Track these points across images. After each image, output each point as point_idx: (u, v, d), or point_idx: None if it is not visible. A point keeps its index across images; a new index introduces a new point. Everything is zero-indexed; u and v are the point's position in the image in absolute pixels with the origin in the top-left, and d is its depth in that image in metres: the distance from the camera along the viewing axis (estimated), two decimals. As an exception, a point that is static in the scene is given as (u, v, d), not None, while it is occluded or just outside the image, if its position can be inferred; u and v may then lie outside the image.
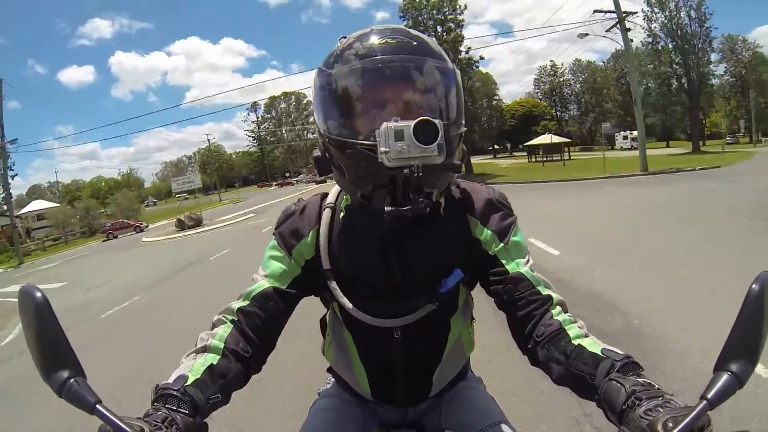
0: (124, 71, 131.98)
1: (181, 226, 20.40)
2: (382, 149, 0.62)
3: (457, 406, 0.90)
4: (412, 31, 0.73)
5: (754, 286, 0.48)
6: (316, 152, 0.76)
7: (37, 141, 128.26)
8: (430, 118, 0.62)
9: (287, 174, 64.66)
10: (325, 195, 0.85)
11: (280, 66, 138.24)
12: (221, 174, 63.77)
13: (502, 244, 0.78)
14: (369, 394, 0.89)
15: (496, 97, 59.36)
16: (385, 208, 0.66)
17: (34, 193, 59.73)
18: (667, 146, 39.25)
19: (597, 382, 0.61)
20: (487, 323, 1.50)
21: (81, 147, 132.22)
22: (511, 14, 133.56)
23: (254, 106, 73.41)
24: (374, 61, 0.67)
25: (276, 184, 59.36)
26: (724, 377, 0.47)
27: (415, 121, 0.61)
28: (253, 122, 73.45)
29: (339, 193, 0.85)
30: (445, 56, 0.72)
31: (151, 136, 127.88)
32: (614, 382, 0.58)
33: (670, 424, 0.47)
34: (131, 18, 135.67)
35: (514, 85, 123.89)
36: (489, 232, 0.79)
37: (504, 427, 0.84)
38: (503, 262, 0.77)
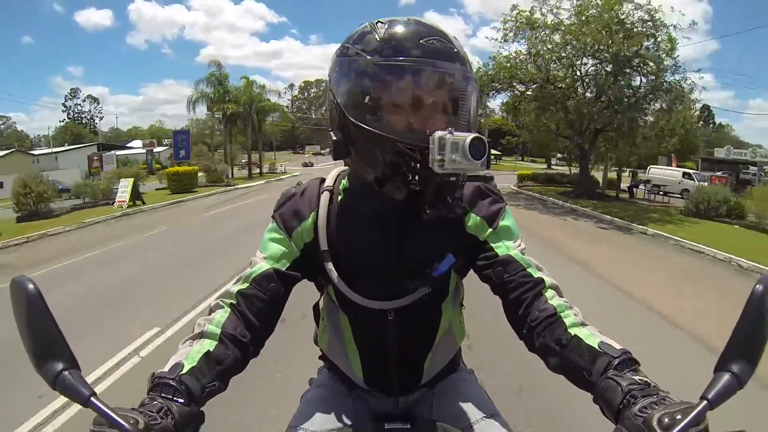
0: (142, 19, 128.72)
1: (305, 165, 38.92)
2: (437, 157, 0.63)
3: (449, 398, 0.89)
4: (448, 33, 0.71)
5: (757, 286, 0.47)
6: (337, 135, 0.73)
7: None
8: (482, 137, 0.63)
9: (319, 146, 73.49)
10: (323, 179, 0.84)
11: (299, 35, 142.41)
12: (254, 138, 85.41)
13: (490, 229, 0.78)
14: (361, 379, 0.87)
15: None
16: (427, 210, 0.68)
17: (67, 133, 60.02)
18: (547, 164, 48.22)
19: (594, 379, 0.60)
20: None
21: (90, 89, 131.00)
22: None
23: (291, 87, 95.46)
24: (427, 63, 0.66)
25: (314, 153, 64.75)
26: (725, 378, 0.47)
27: (471, 137, 0.63)
28: (288, 99, 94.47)
29: (337, 177, 0.84)
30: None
31: (161, 88, 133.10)
32: (610, 380, 0.57)
33: (666, 420, 0.47)
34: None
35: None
36: (478, 218, 0.79)
37: (495, 419, 0.83)
38: (492, 245, 0.78)
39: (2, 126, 66.31)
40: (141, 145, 44.35)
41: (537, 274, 0.75)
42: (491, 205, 0.81)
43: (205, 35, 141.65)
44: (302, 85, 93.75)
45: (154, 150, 39.82)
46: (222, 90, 24.34)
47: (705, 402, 0.47)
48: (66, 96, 69.21)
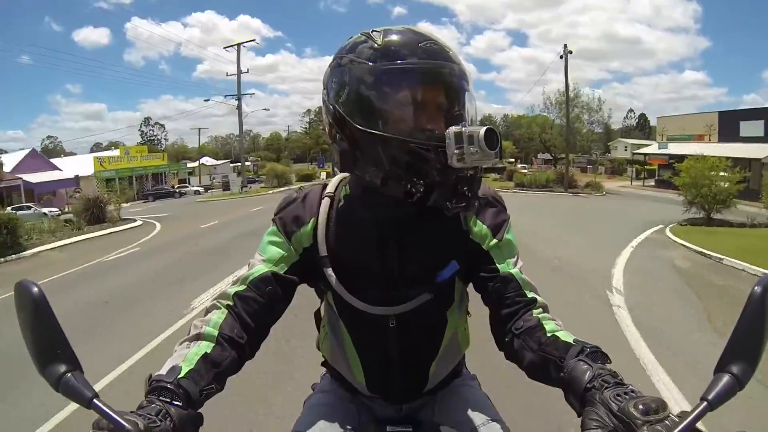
0: (140, 37, 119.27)
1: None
2: (455, 151, 0.65)
3: (452, 403, 0.87)
4: (438, 36, 0.73)
5: (756, 288, 0.47)
6: (342, 146, 0.72)
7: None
8: (494, 128, 0.65)
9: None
10: (325, 185, 0.83)
11: (294, 49, 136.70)
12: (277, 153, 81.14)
13: (495, 240, 0.77)
14: (364, 386, 0.85)
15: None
16: (447, 205, 0.68)
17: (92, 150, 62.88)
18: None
19: (564, 364, 0.61)
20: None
21: (88, 106, 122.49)
22: (528, 25, 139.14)
23: (308, 112, 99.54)
24: (428, 64, 0.68)
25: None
26: (725, 379, 0.47)
27: (485, 129, 0.64)
28: (307, 122, 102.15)
29: (339, 184, 0.83)
30: None
31: (159, 104, 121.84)
32: (582, 362, 0.59)
33: (640, 406, 0.48)
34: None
35: (523, 94, 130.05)
36: (484, 226, 0.78)
37: (498, 425, 0.81)
38: (495, 260, 0.77)
39: (50, 144, 72.09)
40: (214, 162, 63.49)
41: (531, 295, 0.75)
42: (497, 215, 0.80)
43: (201, 51, 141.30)
44: (317, 109, 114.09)
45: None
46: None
47: (705, 403, 0.46)
48: (141, 123, 77.27)
